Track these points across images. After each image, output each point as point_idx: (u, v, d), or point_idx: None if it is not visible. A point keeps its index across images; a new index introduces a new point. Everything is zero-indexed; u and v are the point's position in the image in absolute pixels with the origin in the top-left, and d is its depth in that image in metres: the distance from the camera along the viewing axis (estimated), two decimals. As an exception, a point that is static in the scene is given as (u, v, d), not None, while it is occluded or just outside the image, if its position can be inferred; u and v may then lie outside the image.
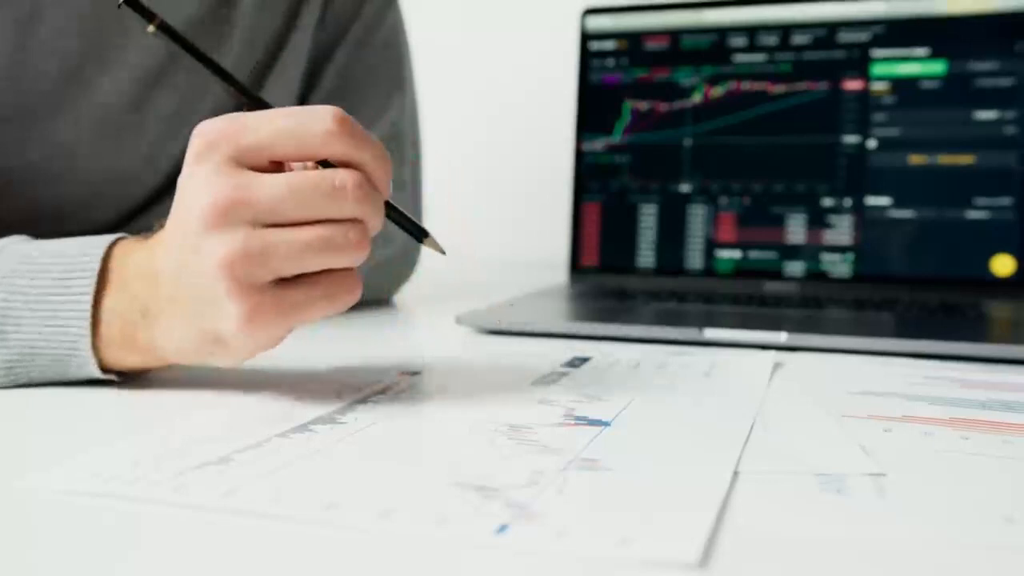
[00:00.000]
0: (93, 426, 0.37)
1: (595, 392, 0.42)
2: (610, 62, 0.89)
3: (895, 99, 0.81)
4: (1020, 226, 0.77)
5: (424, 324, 0.71)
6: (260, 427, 0.35)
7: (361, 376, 0.45)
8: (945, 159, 0.79)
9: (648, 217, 0.87)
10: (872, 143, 0.81)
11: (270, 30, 0.68)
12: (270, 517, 0.26)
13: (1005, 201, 0.77)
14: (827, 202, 0.82)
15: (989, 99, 0.78)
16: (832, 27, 0.83)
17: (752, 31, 0.85)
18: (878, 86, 0.81)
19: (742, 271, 0.84)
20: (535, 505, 0.27)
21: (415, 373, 0.46)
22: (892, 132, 0.81)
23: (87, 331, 0.39)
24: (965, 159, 0.78)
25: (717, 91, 0.86)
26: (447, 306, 0.68)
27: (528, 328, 0.60)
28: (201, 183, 0.36)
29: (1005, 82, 0.78)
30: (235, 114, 0.37)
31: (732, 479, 0.30)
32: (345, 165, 0.37)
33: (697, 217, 0.85)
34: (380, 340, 0.58)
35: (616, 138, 0.89)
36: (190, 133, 0.37)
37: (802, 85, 0.83)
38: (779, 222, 0.83)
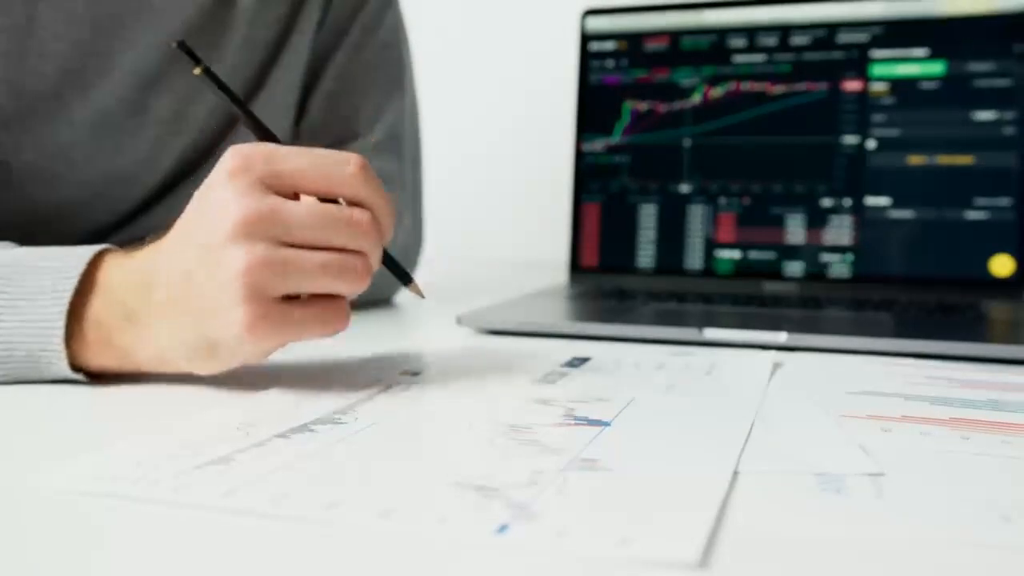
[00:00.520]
0: (94, 426, 0.37)
1: (595, 392, 0.42)
2: (610, 63, 0.89)
3: (894, 99, 0.81)
4: (1019, 226, 0.77)
5: (425, 324, 0.71)
6: (260, 427, 0.35)
7: (362, 376, 0.45)
8: (944, 159, 0.79)
9: (648, 217, 0.87)
10: (871, 143, 0.81)
11: (270, 32, 0.68)
12: (270, 517, 0.26)
13: (1004, 201, 0.77)
14: (826, 202, 0.82)
15: (988, 100, 0.78)
16: (831, 28, 0.83)
17: (752, 32, 0.85)
18: (877, 87, 0.81)
19: (742, 271, 0.84)
20: (535, 505, 0.27)
21: (416, 373, 0.46)
22: (891, 132, 0.81)
23: (61, 328, 0.40)
24: (964, 159, 0.78)
25: (717, 92, 0.86)
26: (447, 306, 0.68)
27: (528, 328, 0.60)
28: (231, 197, 0.38)
29: (1004, 83, 0.78)
30: (270, 144, 0.41)
31: (732, 479, 0.30)
32: (358, 205, 0.40)
33: (697, 217, 0.85)
34: (381, 340, 0.58)
35: (616, 138, 0.89)
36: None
37: (801, 86, 0.84)
38: (779, 222, 0.83)
